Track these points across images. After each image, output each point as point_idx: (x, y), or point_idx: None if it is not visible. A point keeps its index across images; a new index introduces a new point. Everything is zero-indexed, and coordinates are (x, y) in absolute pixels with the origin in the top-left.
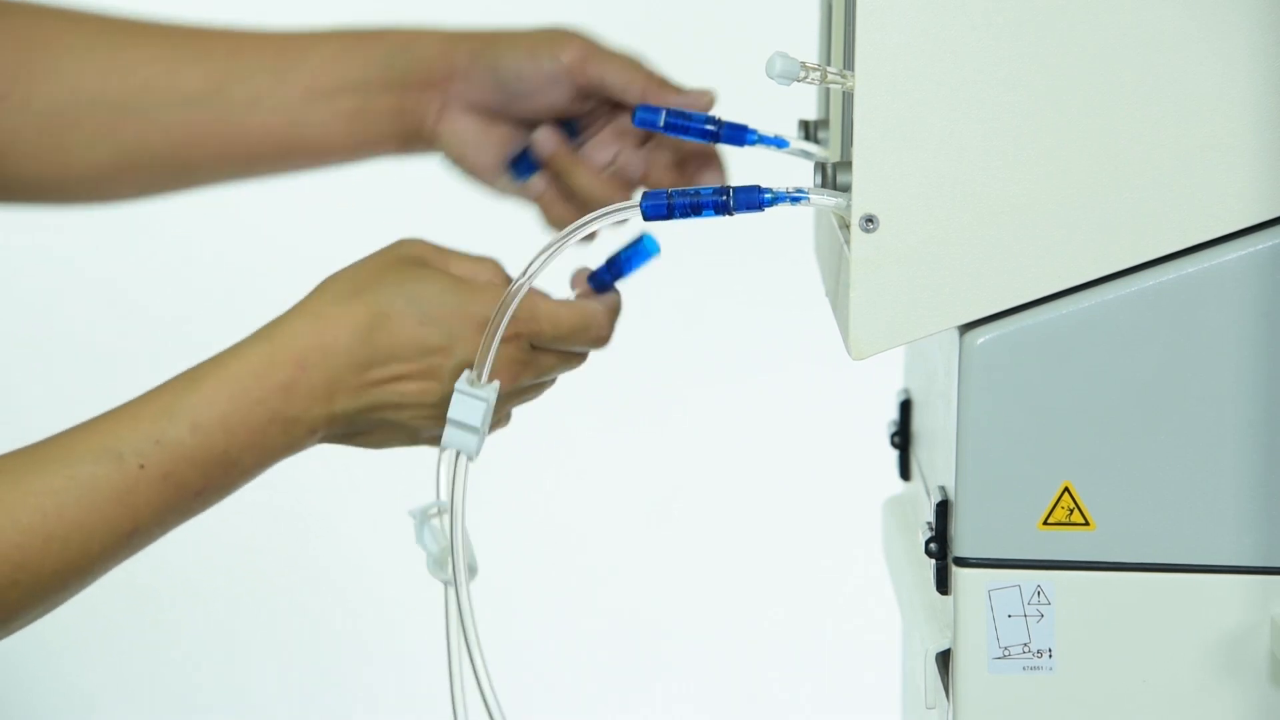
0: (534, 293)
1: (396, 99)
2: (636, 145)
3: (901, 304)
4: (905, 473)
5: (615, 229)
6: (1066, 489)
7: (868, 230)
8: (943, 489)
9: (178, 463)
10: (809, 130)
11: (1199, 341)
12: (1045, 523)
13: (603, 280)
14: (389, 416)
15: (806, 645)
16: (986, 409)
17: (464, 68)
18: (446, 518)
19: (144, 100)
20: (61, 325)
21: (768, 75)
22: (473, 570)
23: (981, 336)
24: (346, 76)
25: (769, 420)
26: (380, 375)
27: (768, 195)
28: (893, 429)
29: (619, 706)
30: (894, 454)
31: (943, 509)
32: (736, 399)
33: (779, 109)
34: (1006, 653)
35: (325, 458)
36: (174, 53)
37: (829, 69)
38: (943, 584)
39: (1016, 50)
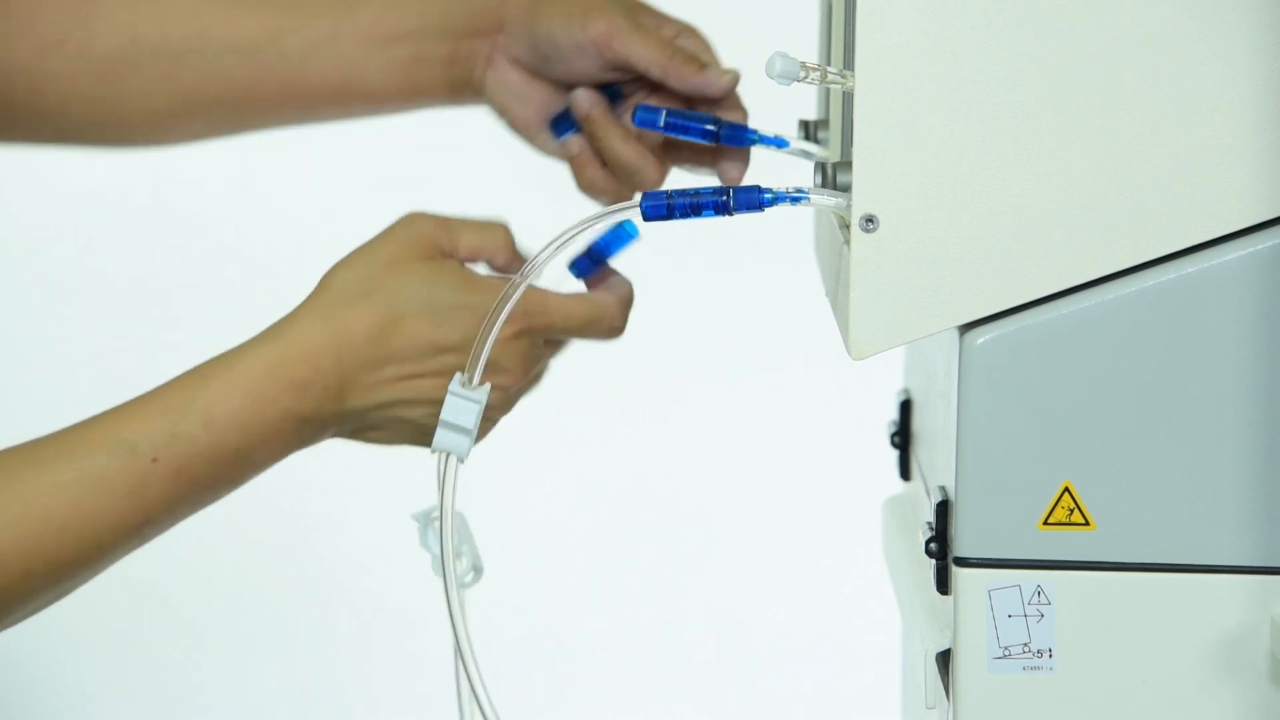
0: (538, 289)
1: (450, 47)
2: None
3: (901, 304)
4: (905, 473)
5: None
6: (1066, 489)
7: (868, 230)
8: (943, 489)
9: (190, 458)
10: (809, 130)
11: (1199, 341)
12: (1045, 523)
13: (583, 267)
14: (401, 414)
15: (806, 645)
16: (986, 409)
17: (510, 22)
18: (452, 520)
19: (202, 48)
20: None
21: (768, 75)
22: (478, 571)
23: (981, 336)
24: (402, 25)
25: (769, 420)
26: (393, 374)
27: (768, 195)
28: (893, 429)
29: (619, 706)
30: (894, 454)
31: (943, 509)
32: (736, 399)
33: (779, 109)
34: (1006, 653)
35: (327, 458)
36: (232, 1)
37: (829, 69)
38: (943, 584)
39: (1016, 50)
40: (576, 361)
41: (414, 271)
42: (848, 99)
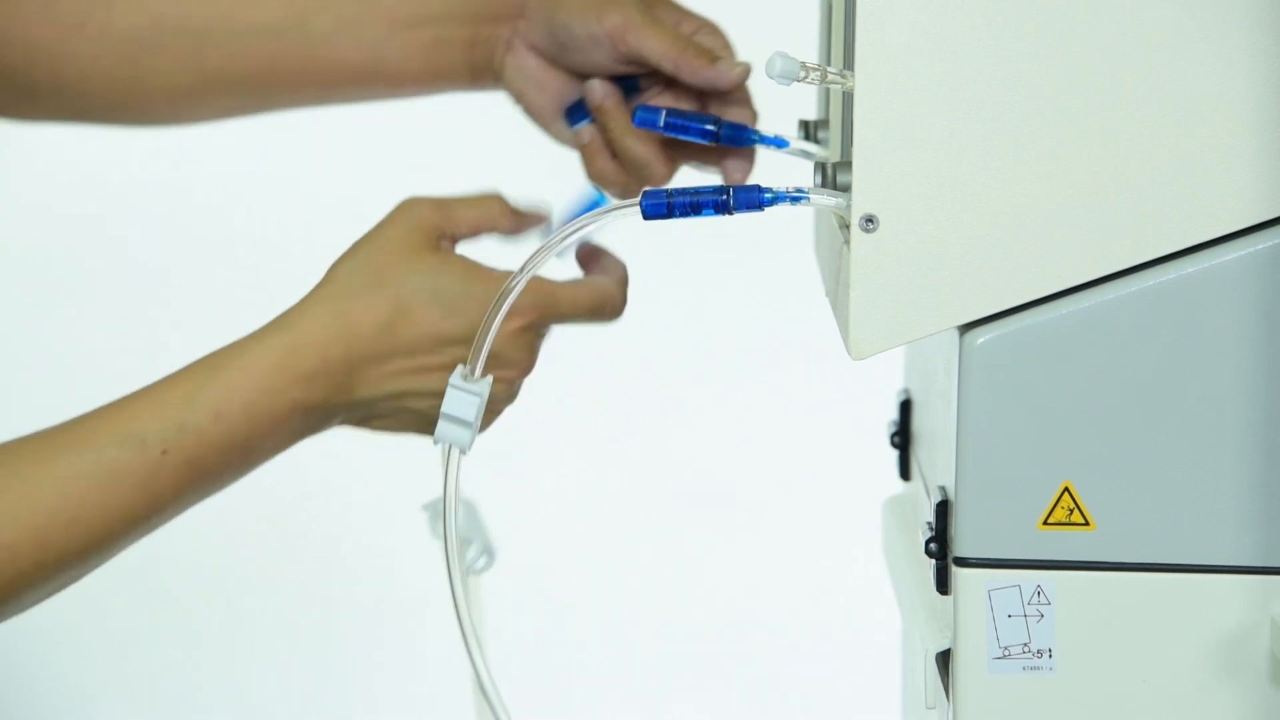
0: (544, 280)
1: (471, 31)
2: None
3: (901, 304)
4: (905, 473)
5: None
6: (1066, 489)
7: (868, 230)
8: (943, 489)
9: (200, 450)
10: (809, 130)
11: (1199, 341)
12: (1045, 523)
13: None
14: (408, 404)
15: (806, 645)
16: (986, 409)
17: (531, 8)
18: (457, 510)
19: (225, 29)
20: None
21: (768, 75)
22: (490, 556)
23: (981, 336)
24: (425, 8)
25: (769, 420)
26: (401, 366)
27: (768, 195)
28: (893, 429)
29: (619, 706)
30: (894, 454)
31: (943, 509)
32: (736, 399)
33: (779, 109)
34: (1006, 653)
35: (329, 457)
36: None
37: (829, 69)
38: (943, 584)
39: (1016, 50)
40: (576, 361)
41: (421, 261)
42: (848, 99)
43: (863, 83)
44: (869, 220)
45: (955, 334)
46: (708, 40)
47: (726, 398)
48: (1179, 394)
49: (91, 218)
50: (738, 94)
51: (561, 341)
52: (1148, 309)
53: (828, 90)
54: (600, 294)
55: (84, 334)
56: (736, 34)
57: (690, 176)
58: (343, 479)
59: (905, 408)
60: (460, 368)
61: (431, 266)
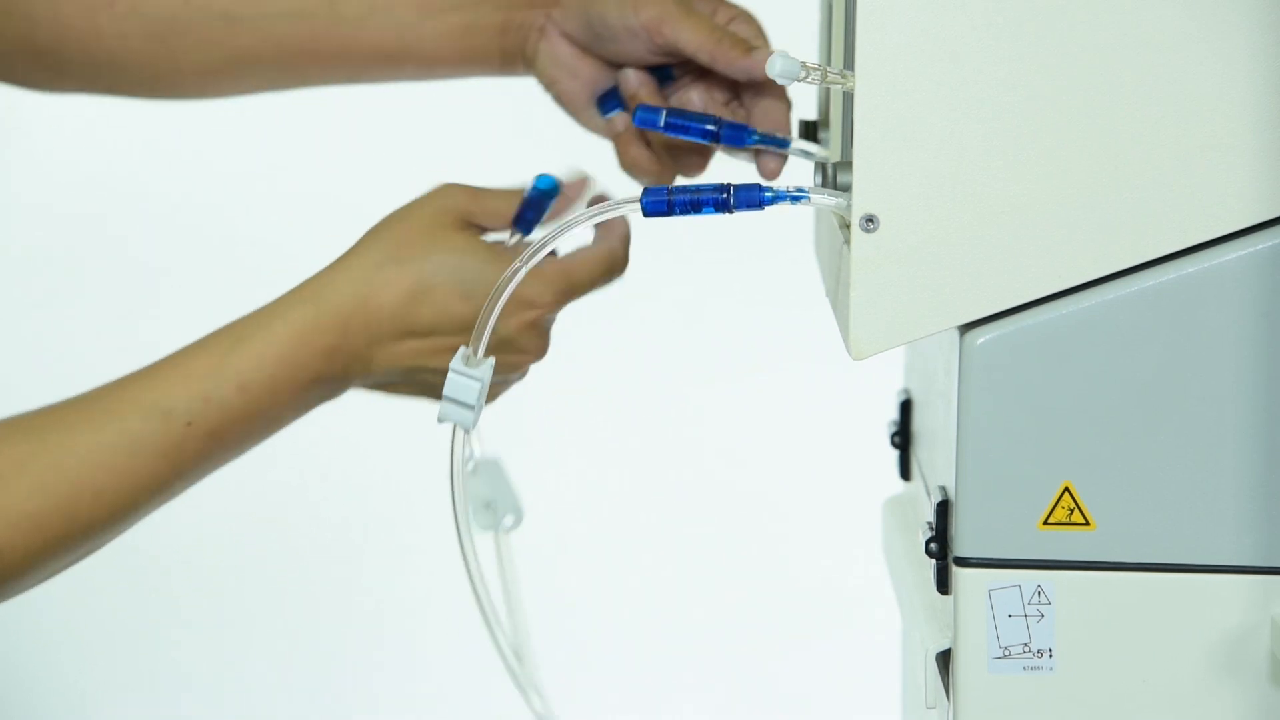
0: (555, 261)
1: (504, 16)
2: (723, 103)
3: (901, 304)
4: (905, 473)
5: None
6: (1066, 489)
7: (868, 230)
8: (943, 489)
9: (224, 421)
10: (809, 130)
11: (1199, 341)
12: (1045, 523)
13: (529, 221)
14: (425, 378)
15: (807, 645)
16: (986, 409)
17: None
18: (483, 470)
19: (255, 10)
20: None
21: (768, 75)
22: (518, 516)
23: (981, 336)
24: None
25: (769, 420)
26: (418, 345)
27: (768, 194)
28: (893, 429)
29: (619, 706)
30: (894, 454)
31: (943, 509)
32: (736, 399)
33: None
34: (1007, 653)
35: (329, 457)
36: None
37: (829, 69)
38: (943, 584)
39: (1016, 50)
40: (576, 361)
41: (447, 239)
42: (848, 99)
43: (863, 83)
44: (869, 220)
45: (955, 334)
46: (743, 30)
47: (727, 398)
48: (1179, 394)
49: (91, 218)
50: (772, 83)
51: (562, 342)
52: (1148, 309)
53: (828, 90)
54: (609, 256)
55: (84, 334)
56: None
57: (719, 170)
58: (343, 479)
59: (905, 408)
60: (463, 349)
61: (456, 246)
